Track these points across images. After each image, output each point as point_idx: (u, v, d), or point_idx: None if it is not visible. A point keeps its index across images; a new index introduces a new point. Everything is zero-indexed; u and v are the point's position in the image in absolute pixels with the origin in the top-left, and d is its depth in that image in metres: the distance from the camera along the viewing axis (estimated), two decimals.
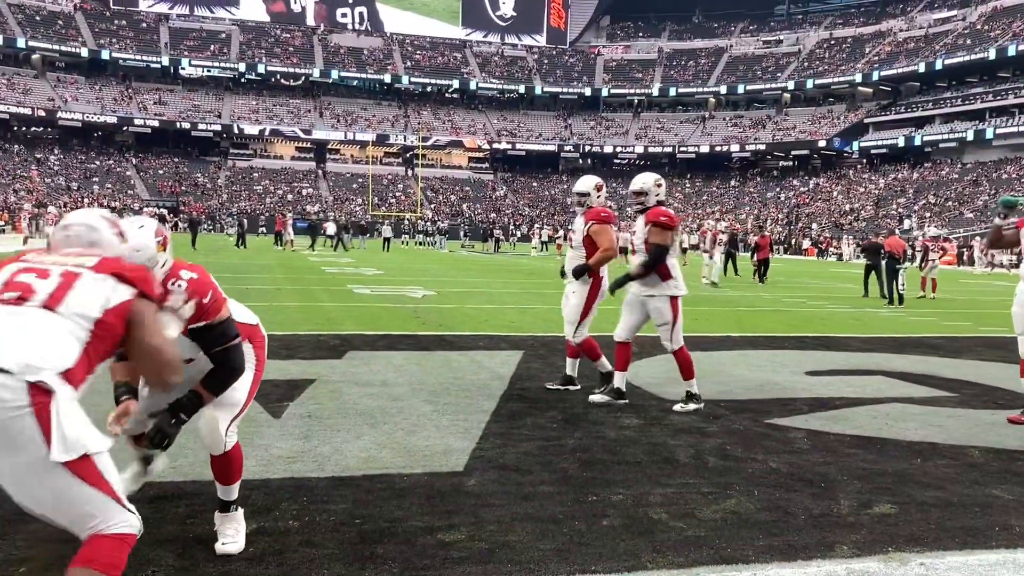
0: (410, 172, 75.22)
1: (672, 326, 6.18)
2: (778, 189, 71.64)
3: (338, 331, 9.89)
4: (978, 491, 4.44)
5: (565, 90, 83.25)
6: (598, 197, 6.59)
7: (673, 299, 6.15)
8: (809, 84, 74.57)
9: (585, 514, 3.86)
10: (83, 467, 2.24)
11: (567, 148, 79.43)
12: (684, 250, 33.13)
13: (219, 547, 3.31)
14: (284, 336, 9.21)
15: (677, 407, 6.15)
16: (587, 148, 79.34)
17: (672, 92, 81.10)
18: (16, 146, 67.21)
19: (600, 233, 6.37)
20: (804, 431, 5.65)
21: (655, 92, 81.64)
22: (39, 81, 70.83)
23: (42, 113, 67.46)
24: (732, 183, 75.29)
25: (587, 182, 6.61)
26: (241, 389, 3.38)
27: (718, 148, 75.50)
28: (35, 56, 71.97)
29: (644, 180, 6.28)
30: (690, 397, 6.22)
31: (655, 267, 6.03)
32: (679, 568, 3.29)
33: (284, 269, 22.17)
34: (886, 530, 3.78)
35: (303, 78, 79.36)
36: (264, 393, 6.16)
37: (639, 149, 78.82)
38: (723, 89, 79.26)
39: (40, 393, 2.16)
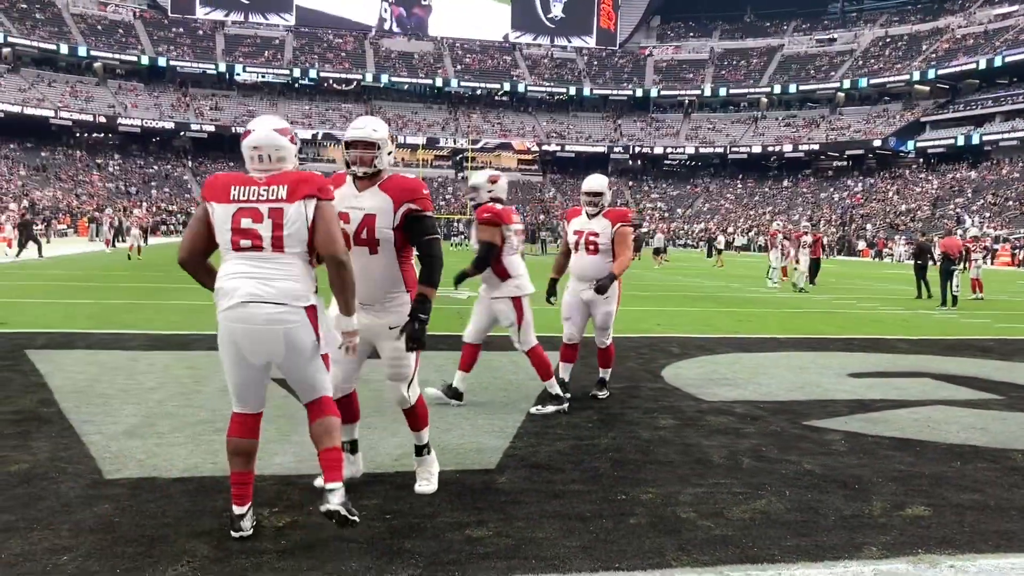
0: (459, 175, 75.61)
1: (518, 327, 5.94)
2: (832, 190, 70.50)
3: None
4: (1017, 495, 4.36)
5: (615, 91, 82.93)
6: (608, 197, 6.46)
7: (516, 299, 5.93)
8: (864, 83, 73.26)
9: (613, 512, 3.88)
10: (325, 357, 3.52)
11: (616, 149, 79.10)
12: (658, 251, 32.63)
13: (417, 487, 4.07)
14: None
15: (533, 409, 5.97)
16: (637, 149, 78.93)
17: (723, 92, 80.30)
18: (78, 152, 69.04)
19: (628, 236, 6.22)
20: (842, 433, 5.60)
21: (706, 92, 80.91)
22: (100, 88, 72.72)
23: (103, 119, 69.21)
24: (785, 184, 74.29)
25: (600, 181, 6.34)
26: (409, 365, 4.01)
27: (770, 148, 74.57)
28: (97, 64, 73.92)
29: (477, 176, 6.08)
30: (550, 398, 6.01)
31: (484, 264, 5.78)
32: (704, 566, 3.30)
33: None
34: (918, 532, 3.75)
35: (355, 83, 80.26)
36: None
37: (690, 150, 78.23)
38: (776, 89, 78.26)
39: (311, 311, 3.39)
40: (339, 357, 3.81)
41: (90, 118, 68.53)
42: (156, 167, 71.10)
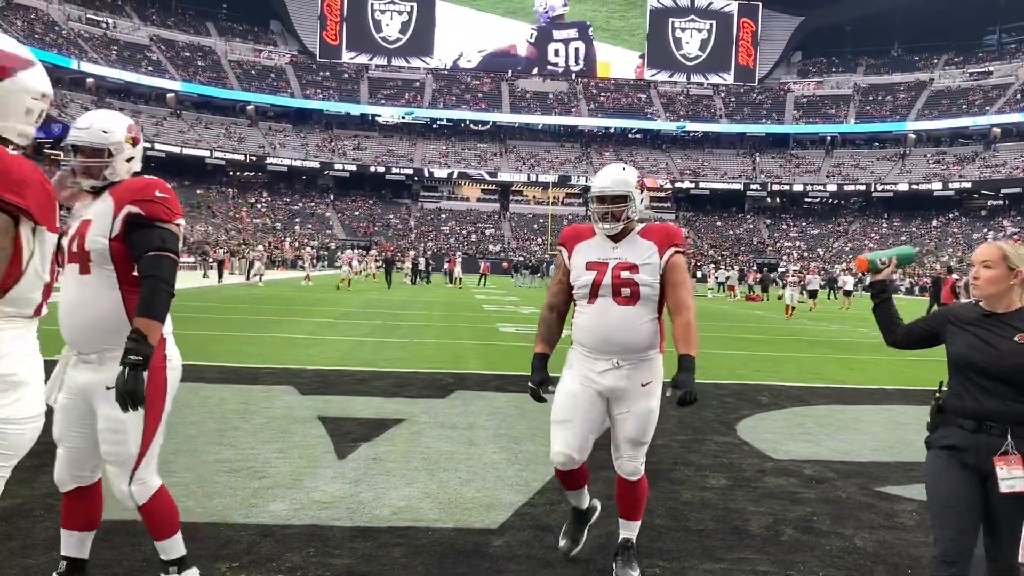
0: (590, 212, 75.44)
1: None
2: (985, 230, 66.12)
3: (457, 369, 9.79)
4: None
5: (752, 128, 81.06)
6: (640, 203, 3.59)
7: None
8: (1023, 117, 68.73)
9: None
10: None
11: (753, 186, 77.05)
12: (813, 293, 30.84)
13: None
14: (402, 373, 9.22)
15: None
16: (775, 187, 76.63)
17: (868, 128, 77.13)
18: (230, 189, 73.01)
19: (683, 271, 3.55)
20: (917, 503, 4.90)
21: (849, 128, 77.93)
22: (252, 130, 76.78)
23: (253, 159, 72.96)
24: (934, 224, 70.31)
25: (624, 176, 3.60)
26: (132, 442, 2.88)
27: (918, 186, 70.80)
28: (249, 107, 78.21)
29: None
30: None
31: None
32: None
33: (444, 306, 22.53)
34: None
35: (490, 123, 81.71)
36: (345, 431, 6.14)
37: (831, 187, 75.27)
38: (924, 124, 74.51)
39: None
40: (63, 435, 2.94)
41: (242, 157, 72.34)
42: (301, 204, 74.24)
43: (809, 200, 78.26)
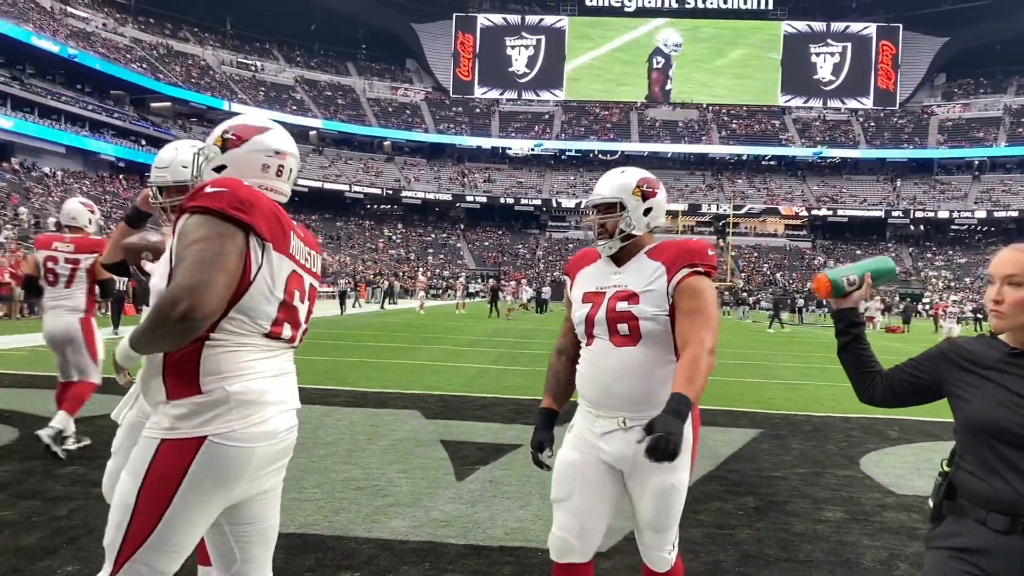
0: (721, 241, 74.23)
1: None
2: None
3: (576, 398, 9.91)
4: None
5: (893, 153, 78.02)
6: (645, 214, 2.84)
7: None
8: None
9: None
10: None
11: (895, 213, 73.96)
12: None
13: None
14: (522, 400, 9.43)
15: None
16: (918, 214, 73.34)
17: (1021, 151, 72.90)
18: (367, 222, 75.83)
19: (709, 298, 2.70)
20: None
21: (999, 152, 73.88)
22: (388, 164, 79.64)
23: (389, 192, 75.63)
24: None
25: (621, 180, 2.86)
26: None
27: None
28: (386, 142, 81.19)
29: None
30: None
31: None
32: None
33: None
34: None
35: (619, 152, 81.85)
36: (464, 455, 6.40)
37: (980, 214, 71.42)
38: None
39: None
40: None
41: (378, 191, 75.15)
42: (433, 235, 76.25)
43: (956, 227, 74.49)
